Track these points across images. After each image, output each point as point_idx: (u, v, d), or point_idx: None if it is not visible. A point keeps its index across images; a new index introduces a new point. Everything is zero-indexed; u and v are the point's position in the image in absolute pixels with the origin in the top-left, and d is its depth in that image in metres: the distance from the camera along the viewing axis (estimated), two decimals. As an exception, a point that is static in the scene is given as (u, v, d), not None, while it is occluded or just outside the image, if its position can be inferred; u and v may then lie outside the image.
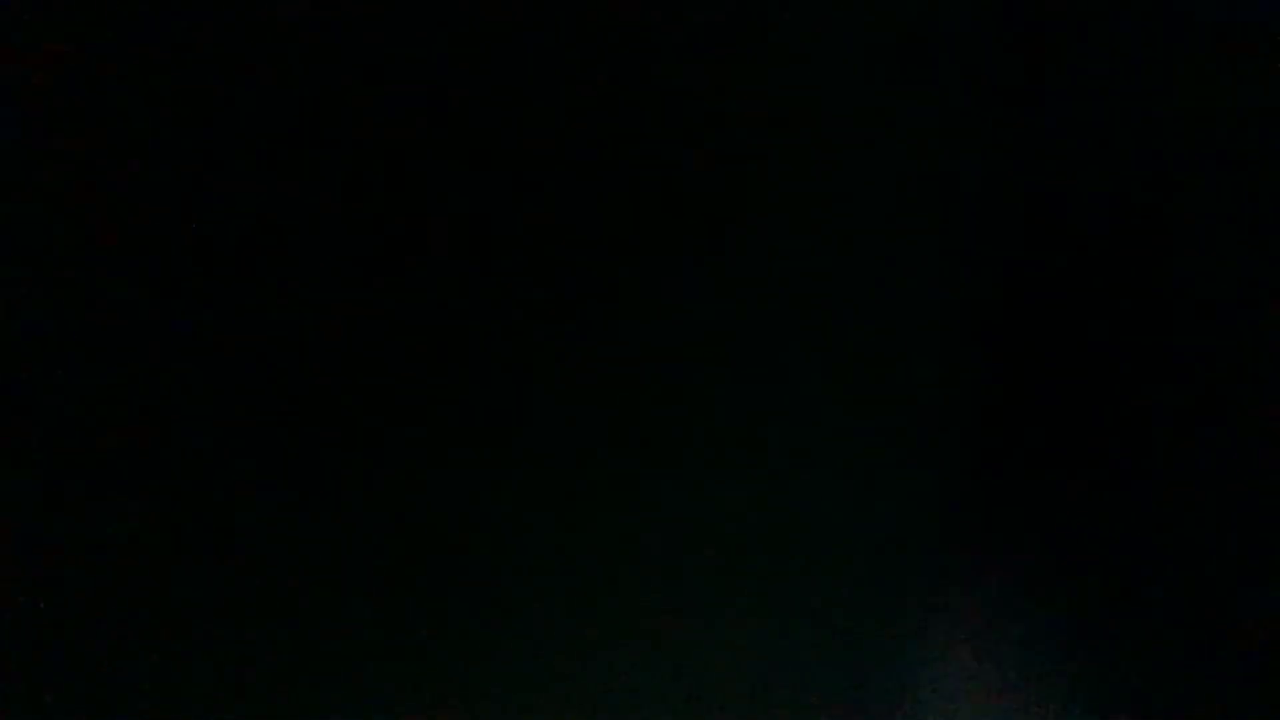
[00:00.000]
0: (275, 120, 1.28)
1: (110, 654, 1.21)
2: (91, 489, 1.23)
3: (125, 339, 1.25)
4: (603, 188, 1.30)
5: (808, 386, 1.29)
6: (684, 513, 1.27)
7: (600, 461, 1.27)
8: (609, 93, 1.30)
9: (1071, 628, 1.26)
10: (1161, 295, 1.29)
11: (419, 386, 1.26)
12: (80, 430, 1.23)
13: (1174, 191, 1.31)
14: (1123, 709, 1.24)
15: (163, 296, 1.25)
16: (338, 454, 1.25)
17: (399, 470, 1.25)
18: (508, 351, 1.27)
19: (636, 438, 1.28)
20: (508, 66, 1.29)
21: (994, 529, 1.27)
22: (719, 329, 1.29)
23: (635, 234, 1.29)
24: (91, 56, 1.27)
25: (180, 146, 1.27)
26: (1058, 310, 1.30)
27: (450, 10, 1.29)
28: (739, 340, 1.29)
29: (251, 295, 1.26)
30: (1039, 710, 1.24)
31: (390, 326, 1.26)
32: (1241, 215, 1.30)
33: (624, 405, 1.28)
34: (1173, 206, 1.31)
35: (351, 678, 1.22)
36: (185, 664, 1.21)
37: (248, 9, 1.28)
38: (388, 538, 1.24)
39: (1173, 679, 1.24)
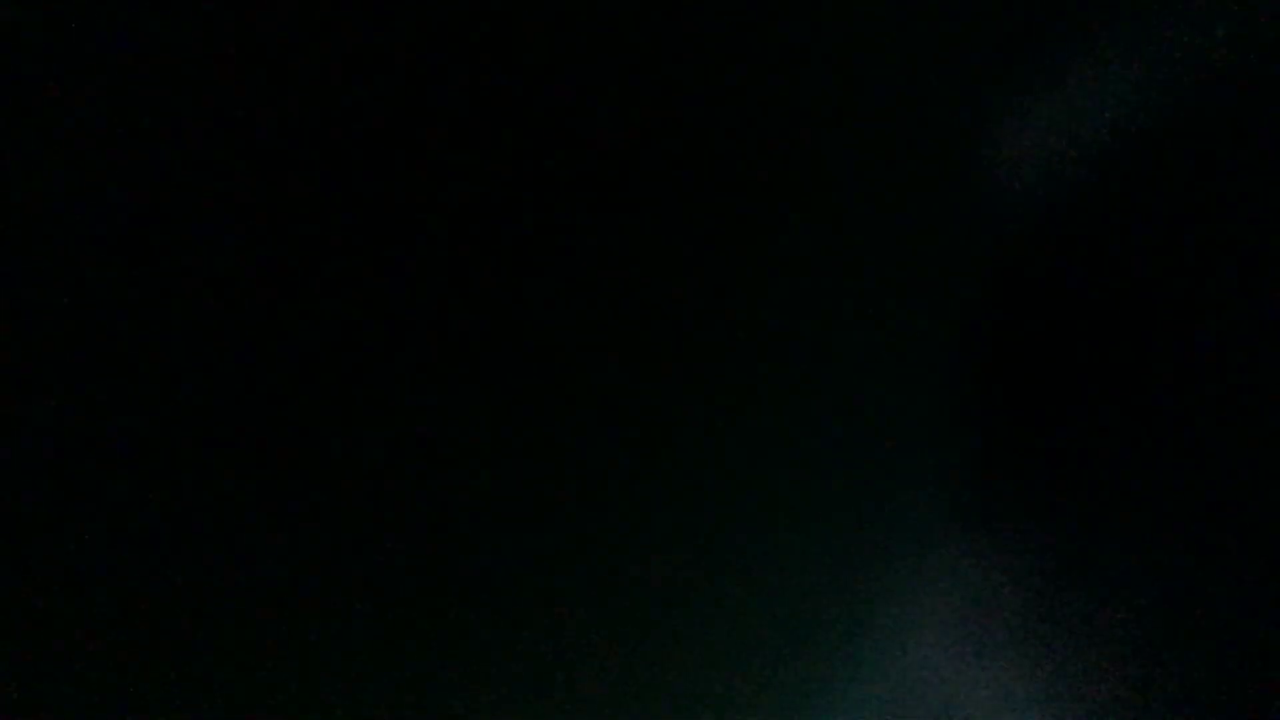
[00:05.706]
0: (273, 119, 1.28)
1: (100, 657, 1.21)
2: (87, 488, 1.23)
3: (122, 337, 1.25)
4: (589, 188, 1.30)
5: (802, 385, 1.29)
6: (682, 512, 1.27)
7: (596, 461, 1.27)
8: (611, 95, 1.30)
9: (1073, 629, 1.26)
10: (1162, 295, 1.30)
11: (418, 386, 1.26)
12: (76, 429, 1.23)
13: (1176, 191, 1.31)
14: (1123, 708, 1.25)
15: (160, 294, 1.25)
16: (336, 455, 1.25)
17: (398, 471, 1.26)
18: (503, 351, 1.28)
19: (633, 437, 1.28)
20: (508, 65, 1.30)
21: (994, 530, 1.28)
22: (715, 328, 1.29)
23: (634, 233, 1.30)
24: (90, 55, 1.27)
25: (177, 144, 1.27)
26: (1058, 308, 1.30)
27: (450, 10, 1.29)
28: (735, 339, 1.29)
29: (249, 293, 1.26)
30: (1038, 709, 1.25)
31: (386, 325, 1.27)
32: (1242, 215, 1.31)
33: (621, 404, 1.28)
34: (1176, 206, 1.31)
35: (348, 680, 1.22)
36: (181, 665, 1.21)
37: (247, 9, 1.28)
38: (386, 539, 1.24)
39: (1172, 678, 1.25)
